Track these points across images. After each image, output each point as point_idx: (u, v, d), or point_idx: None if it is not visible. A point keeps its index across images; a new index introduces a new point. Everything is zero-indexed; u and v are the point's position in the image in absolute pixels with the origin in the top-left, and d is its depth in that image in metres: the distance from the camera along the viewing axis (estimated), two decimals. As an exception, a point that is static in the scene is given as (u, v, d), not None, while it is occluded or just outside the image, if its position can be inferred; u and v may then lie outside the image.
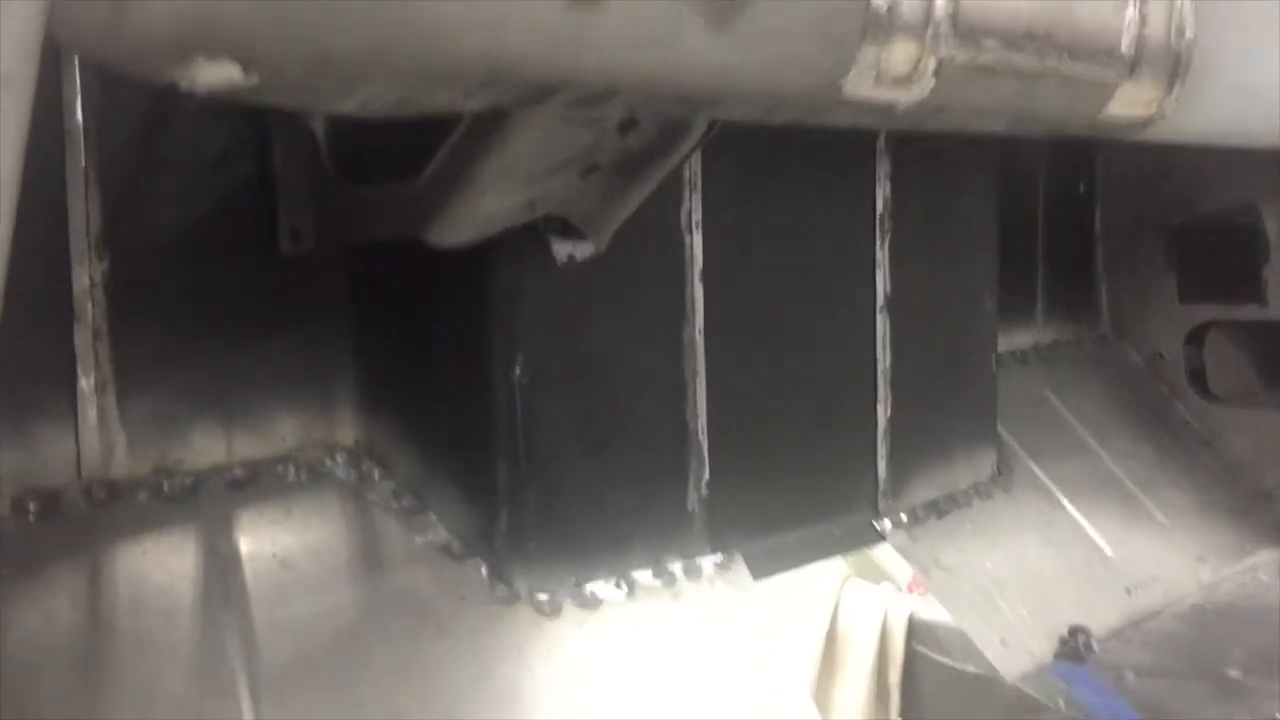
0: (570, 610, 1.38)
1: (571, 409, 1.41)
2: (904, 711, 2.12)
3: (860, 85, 0.87)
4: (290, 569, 1.26)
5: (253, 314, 1.33)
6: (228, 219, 1.31)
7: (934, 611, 2.14)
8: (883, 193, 1.73)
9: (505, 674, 1.30)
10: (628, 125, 1.09)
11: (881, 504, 1.74)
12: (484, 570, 1.36)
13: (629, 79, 0.77)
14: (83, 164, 1.20)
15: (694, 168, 1.48)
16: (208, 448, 1.29)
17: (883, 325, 1.73)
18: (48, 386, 1.19)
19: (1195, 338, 2.29)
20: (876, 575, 2.36)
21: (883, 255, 1.73)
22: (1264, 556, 2.10)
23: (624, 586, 1.44)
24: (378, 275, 1.43)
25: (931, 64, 0.89)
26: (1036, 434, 2.03)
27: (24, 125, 0.63)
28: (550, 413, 1.39)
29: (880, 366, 1.74)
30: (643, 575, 1.46)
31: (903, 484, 1.76)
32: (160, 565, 1.18)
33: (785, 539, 1.63)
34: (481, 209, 1.14)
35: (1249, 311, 2.21)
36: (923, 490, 1.80)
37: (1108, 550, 1.92)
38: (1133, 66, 1.04)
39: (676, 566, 1.49)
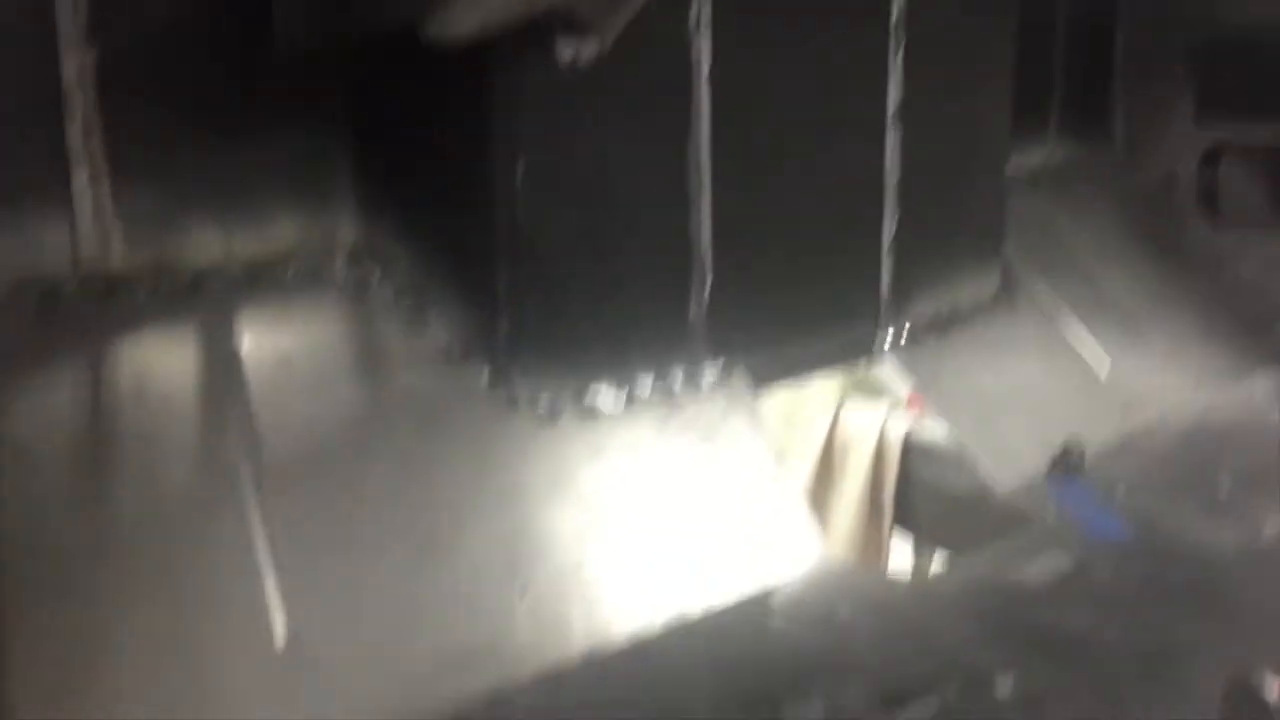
0: (569, 416, 1.39)
1: (573, 215, 1.39)
2: (897, 524, 2.17)
3: None
4: (291, 368, 1.26)
5: (248, 110, 1.29)
6: (221, 9, 1.26)
7: (930, 428, 2.17)
8: (898, 2, 1.66)
9: (504, 476, 1.32)
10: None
11: (884, 319, 1.73)
12: (485, 374, 1.37)
13: None
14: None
15: (703, -34, 1.42)
16: (206, 245, 1.27)
17: (893, 137, 1.69)
18: (42, 179, 1.16)
19: (1209, 160, 2.25)
20: (875, 392, 2.38)
21: (896, 66, 1.68)
22: (1263, 380, 2.11)
23: (623, 395, 1.44)
24: (378, 76, 1.38)
25: None
26: (1043, 253, 2.01)
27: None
28: (552, 218, 1.37)
29: (888, 180, 1.71)
30: (643, 383, 1.46)
31: (906, 299, 1.75)
32: (161, 361, 1.18)
33: (786, 351, 1.63)
34: (483, -3, 1.09)
35: (1265, 133, 2.16)
36: (926, 306, 1.79)
37: (1107, 370, 1.93)
38: None
39: (676, 376, 1.50)
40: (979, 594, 1.35)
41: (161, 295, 1.23)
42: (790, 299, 1.62)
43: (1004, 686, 1.13)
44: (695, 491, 1.43)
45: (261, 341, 1.26)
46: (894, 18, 1.66)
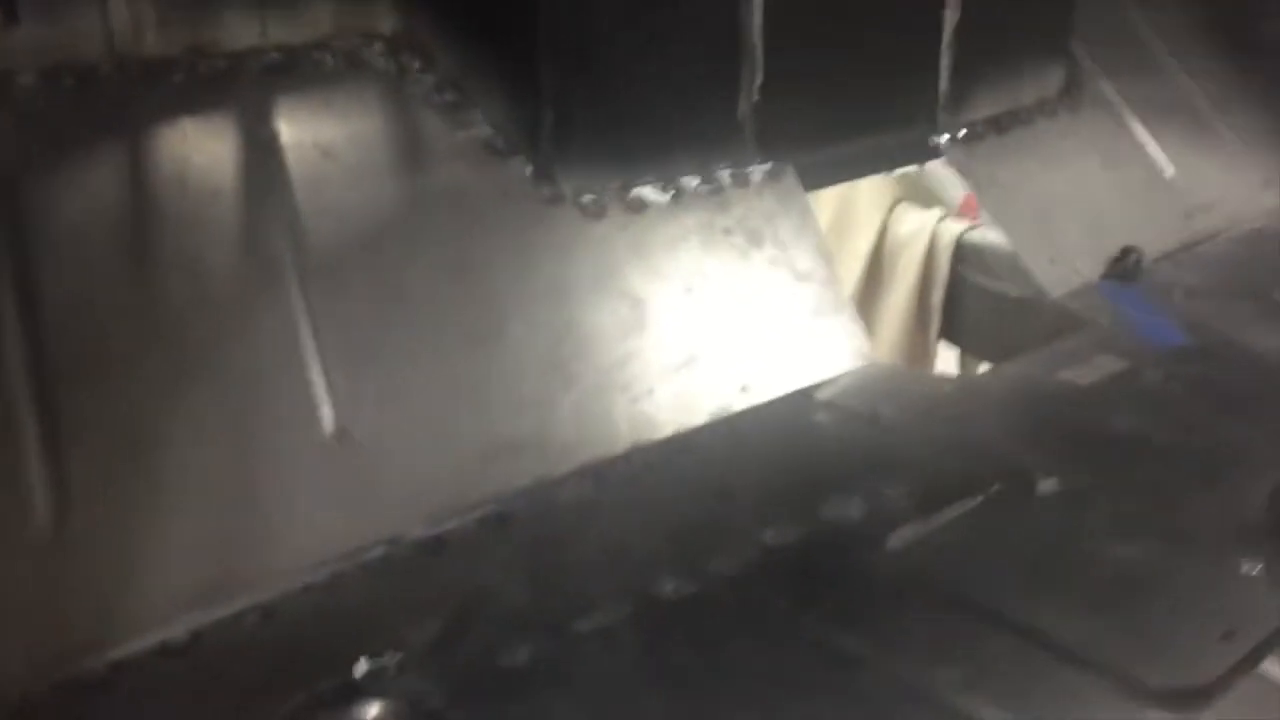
0: (615, 213, 1.37)
1: (618, 4, 1.33)
2: (944, 333, 2.14)
3: None
4: (331, 158, 1.24)
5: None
6: None
7: (981, 235, 2.12)
8: None
9: (549, 271, 1.30)
10: None
11: (941, 118, 1.67)
12: (528, 169, 1.34)
13: None
14: None
15: None
16: (241, 29, 1.23)
17: (956, -77, 1.59)
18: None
19: (1297, -51, 2.10)
20: (928, 200, 2.32)
21: None
22: (1336, 184, 2.03)
23: (670, 191, 1.41)
24: None
25: None
26: (1112, 49, 1.91)
27: None
28: (596, 7, 1.31)
29: (951, -32, 1.61)
30: (689, 181, 1.43)
31: (965, 98, 1.68)
32: (200, 148, 1.16)
33: (839, 151, 1.58)
34: None
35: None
36: (985, 105, 1.72)
37: (1171, 173, 1.86)
38: None
39: (724, 174, 1.46)
40: (1026, 395, 1.34)
41: (197, 78, 1.20)
42: (844, 96, 1.56)
43: (1047, 484, 1.12)
44: (741, 290, 1.41)
45: (300, 129, 1.24)
46: None
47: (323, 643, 0.96)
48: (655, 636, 0.95)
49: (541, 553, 1.08)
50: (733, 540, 1.07)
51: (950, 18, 1.63)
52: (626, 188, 1.38)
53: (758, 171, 1.49)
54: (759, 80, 1.46)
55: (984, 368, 2.13)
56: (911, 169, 1.94)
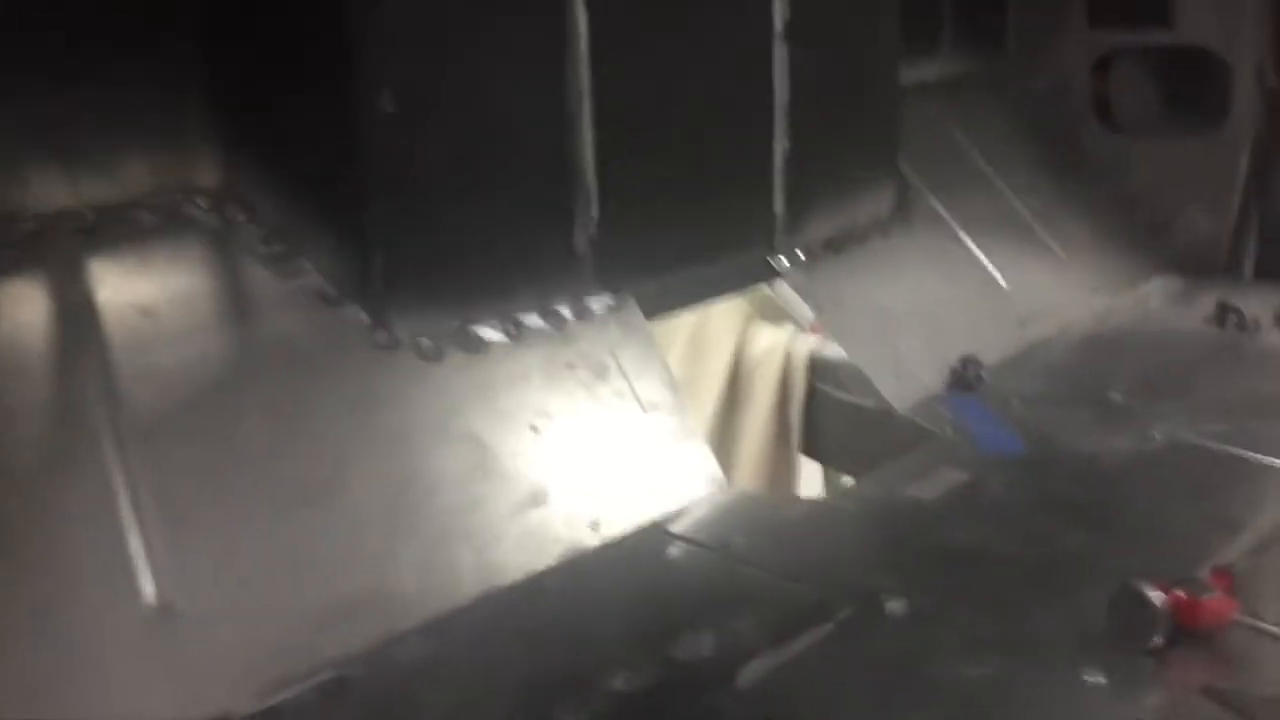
0: (454, 354, 1.35)
1: (445, 144, 1.33)
2: (804, 447, 2.16)
3: None
4: (152, 318, 1.20)
5: (88, 45, 1.21)
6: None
7: (834, 349, 2.15)
8: (783, -87, 1.61)
9: (387, 419, 1.27)
10: None
11: (779, 241, 1.71)
12: (362, 315, 1.32)
13: None
14: None
15: None
16: (51, 190, 1.20)
17: (780, 55, 1.65)
18: None
19: (1101, 66, 2.24)
20: (780, 317, 2.36)
21: (782, -20, 1.63)
22: (1158, 284, 2.13)
23: (510, 329, 1.40)
24: (229, 4, 1.31)
25: None
26: (938, 168, 1.99)
27: None
28: (422, 148, 1.31)
29: (778, 98, 1.67)
30: (530, 318, 1.42)
31: (801, 220, 1.73)
32: (7, 316, 1.11)
33: (679, 278, 1.60)
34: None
35: (1155, 35, 2.15)
36: (821, 227, 1.77)
37: (1003, 283, 1.93)
38: None
39: (565, 308, 1.46)
40: (874, 514, 1.35)
41: (5, 244, 1.15)
42: (681, 223, 1.58)
43: (895, 606, 1.12)
44: (588, 425, 1.40)
45: (118, 290, 1.20)
46: (779, -70, 1.61)
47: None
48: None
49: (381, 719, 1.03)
50: (583, 690, 1.04)
51: (780, 145, 1.68)
52: (465, 328, 1.37)
53: (599, 303, 1.49)
54: (595, 213, 1.48)
55: (847, 479, 2.15)
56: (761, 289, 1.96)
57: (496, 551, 1.25)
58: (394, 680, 1.08)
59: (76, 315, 1.16)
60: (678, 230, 1.58)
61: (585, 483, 1.34)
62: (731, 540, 1.27)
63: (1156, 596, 1.03)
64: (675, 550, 1.28)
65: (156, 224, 1.26)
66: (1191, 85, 2.18)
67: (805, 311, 2.33)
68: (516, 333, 1.41)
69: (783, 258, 1.71)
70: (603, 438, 1.40)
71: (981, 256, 1.95)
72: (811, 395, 2.17)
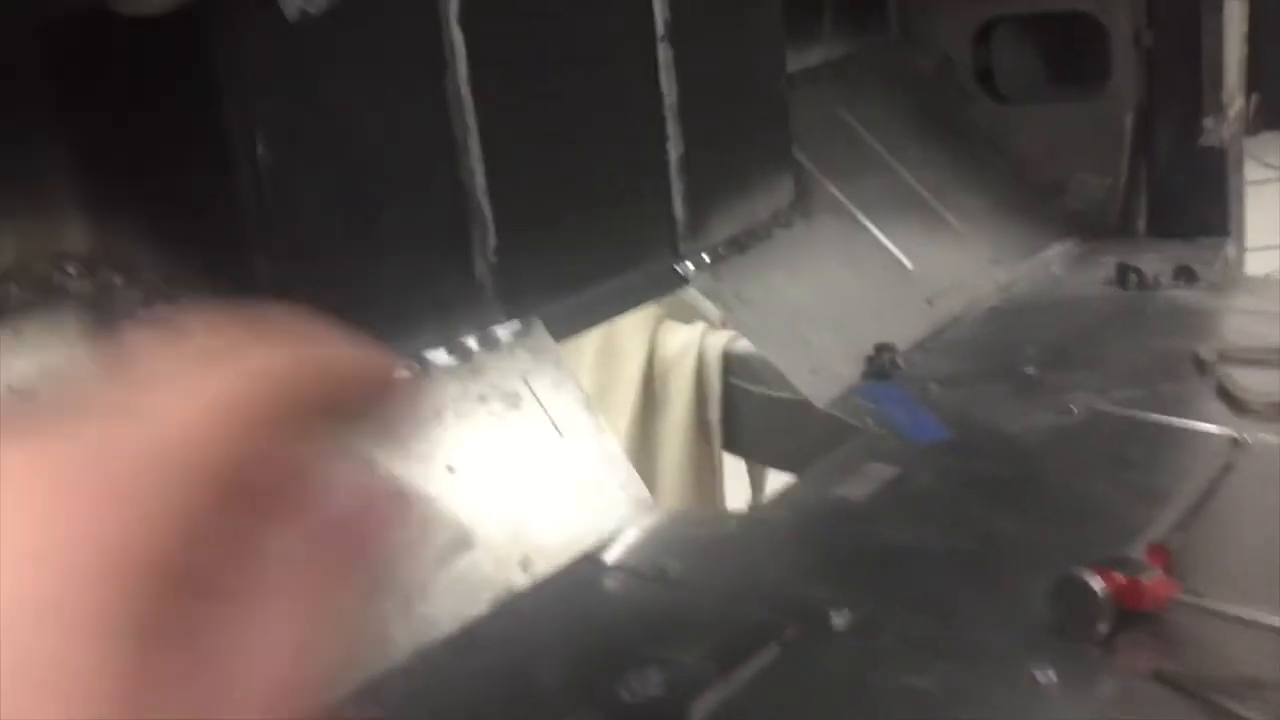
0: (360, 401, 1.29)
1: (330, 183, 1.27)
2: (727, 445, 2.15)
3: None
4: (30, 399, 1.12)
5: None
6: None
7: (748, 343, 2.14)
8: (656, -89, 1.58)
9: (297, 477, 1.21)
10: None
11: (682, 247, 1.68)
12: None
13: None
14: None
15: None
16: (-99, 276, 1.12)
17: (665, 55, 1.62)
18: None
19: (982, 37, 2.25)
20: (690, 315, 2.34)
21: (660, -20, 1.60)
22: (1055, 250, 2.16)
23: (416, 367, 1.35)
24: (84, 58, 1.23)
25: None
26: (832, 154, 1.98)
27: None
28: (305, 190, 1.25)
29: (667, 101, 1.64)
30: (436, 354, 1.37)
31: (702, 223, 1.70)
32: None
33: (585, 296, 1.56)
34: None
35: (1033, 3, 2.17)
36: (723, 227, 1.74)
37: (908, 263, 1.93)
38: None
39: (471, 340, 1.41)
40: (807, 521, 1.33)
41: None
42: (582, 239, 1.54)
43: (839, 619, 1.10)
44: (506, 459, 1.35)
45: (-12, 375, 1.12)
46: (653, -72, 1.58)
47: None
48: None
49: (321, 804, 0.97)
50: (529, 745, 1.00)
51: (674, 149, 1.65)
52: (368, 372, 1.31)
53: (505, 331, 1.44)
54: (493, 239, 1.43)
55: (772, 474, 2.14)
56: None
57: (425, 604, 1.20)
58: (330, 758, 1.02)
59: (-55, 406, 1.08)
60: (579, 247, 1.54)
61: (510, 520, 1.30)
62: (667, 565, 1.24)
63: (1098, 584, 1.03)
64: (611, 582, 1.25)
65: (26, 298, 1.18)
66: (1072, 51, 2.20)
67: (715, 309, 2.31)
68: (422, 371, 1.35)
69: (688, 262, 1.67)
70: (523, 471, 1.36)
71: (884, 239, 1.94)
72: (730, 392, 2.16)
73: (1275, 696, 0.92)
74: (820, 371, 1.66)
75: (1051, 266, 2.08)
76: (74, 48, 1.21)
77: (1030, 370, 1.61)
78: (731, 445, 2.17)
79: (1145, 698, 0.96)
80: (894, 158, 2.07)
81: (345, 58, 1.27)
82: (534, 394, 1.42)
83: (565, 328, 1.52)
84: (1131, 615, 1.03)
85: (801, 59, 2.06)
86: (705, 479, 2.19)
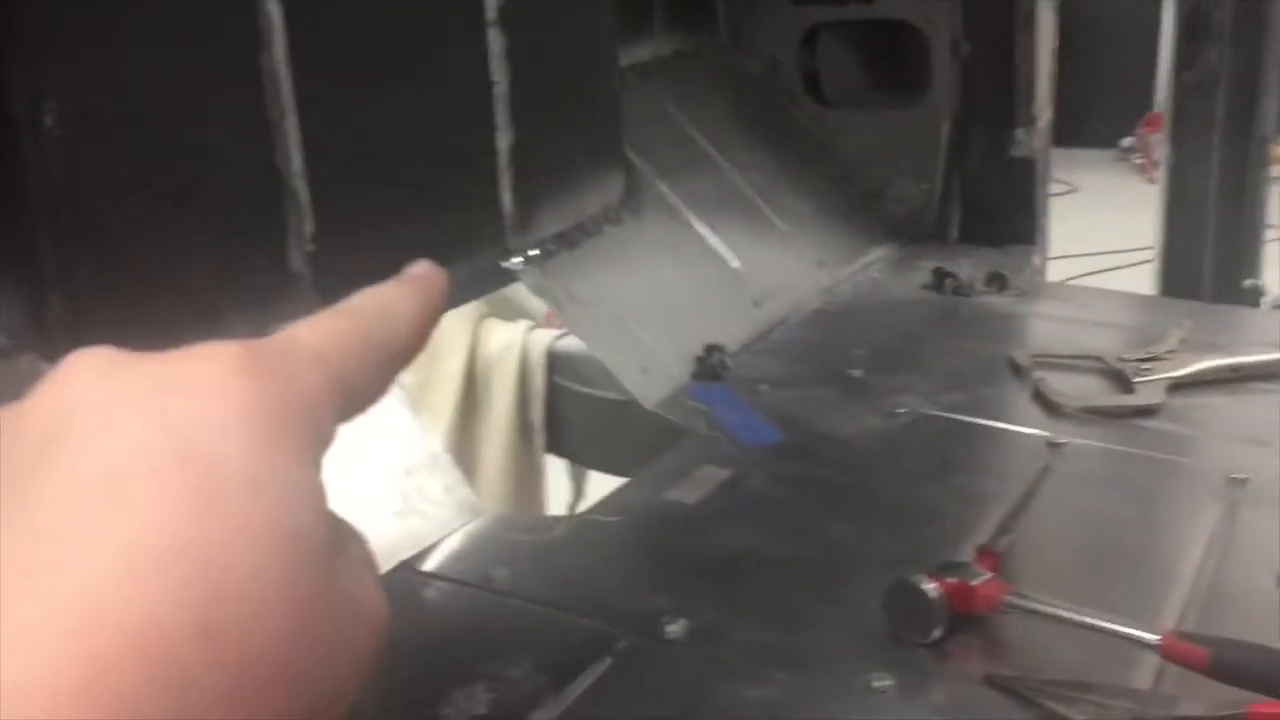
0: (159, 400, 1.18)
1: (128, 161, 1.16)
2: (550, 446, 2.10)
3: None
4: None
5: None
6: None
7: (572, 342, 2.10)
8: (487, -105, 1.51)
9: (86, 484, 1.10)
10: None
11: (510, 241, 1.62)
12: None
13: None
14: None
15: None
16: None
17: (496, 42, 1.56)
18: None
19: (808, 41, 2.28)
20: (514, 312, 2.29)
21: (490, -36, 1.54)
22: (877, 253, 2.19)
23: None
24: None
25: None
26: (662, 151, 1.96)
27: None
28: (100, 167, 1.14)
29: (497, 89, 1.57)
30: (245, 349, 1.27)
31: (531, 217, 1.65)
32: None
33: (407, 289, 1.48)
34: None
35: (857, 10, 2.20)
36: (552, 222, 1.69)
37: (736, 264, 1.92)
38: None
39: (285, 334, 1.31)
40: (639, 525, 1.29)
41: None
42: (405, 230, 1.47)
43: (674, 628, 1.07)
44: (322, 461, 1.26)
45: None
46: (483, -88, 1.51)
47: None
48: None
49: None
50: (347, 773, 0.93)
51: (504, 139, 1.59)
52: (169, 369, 1.21)
53: (322, 326, 1.35)
54: (309, 227, 1.34)
55: (595, 477, 2.10)
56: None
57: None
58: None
59: None
60: (402, 238, 1.46)
61: (326, 527, 1.21)
62: (493, 573, 1.18)
63: (930, 588, 1.03)
64: (432, 592, 1.18)
65: None
66: (894, 58, 2.25)
67: (539, 305, 2.26)
68: (231, 368, 1.25)
69: (515, 258, 1.62)
70: (338, 473, 1.27)
71: (713, 239, 1.93)
72: (553, 391, 2.11)
73: (1101, 699, 0.93)
74: (650, 371, 1.63)
75: (873, 270, 2.11)
76: None
77: (857, 373, 1.63)
78: (555, 447, 2.12)
79: (977, 702, 0.97)
80: (723, 157, 2.06)
81: (150, 26, 1.16)
82: (353, 393, 1.33)
83: (387, 323, 1.44)
84: (963, 618, 1.04)
85: (632, 54, 2.03)
86: (528, 482, 2.14)
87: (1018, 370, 1.63)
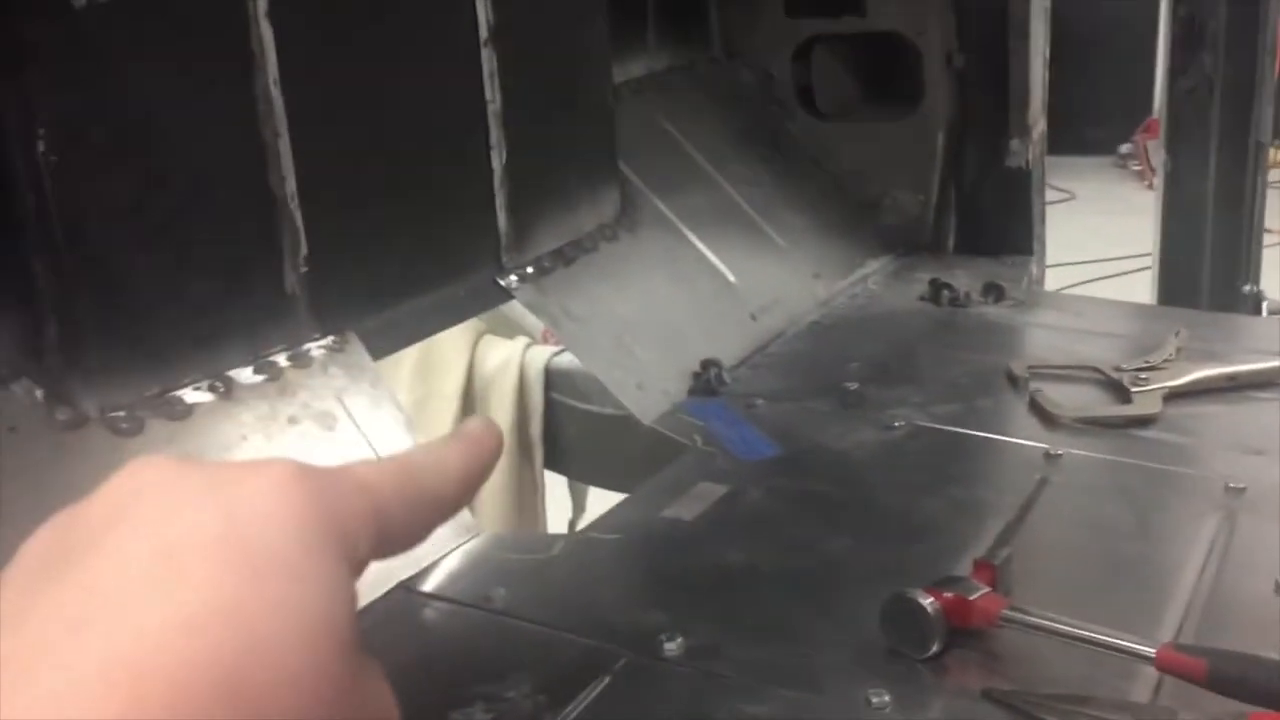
0: (155, 424, 1.19)
1: (123, 186, 1.16)
2: (548, 463, 2.10)
3: None
4: None
5: None
6: None
7: (569, 358, 2.10)
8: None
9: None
10: None
11: (506, 259, 1.62)
12: (38, 394, 1.13)
13: None
14: None
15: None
16: None
17: (489, 61, 1.56)
18: None
19: (801, 54, 2.28)
20: (511, 330, 2.29)
21: (483, -15, 1.54)
22: (873, 265, 2.20)
23: (219, 387, 1.25)
24: None
25: None
26: (657, 166, 1.96)
27: None
28: (95, 193, 1.14)
29: (491, 108, 1.58)
30: (241, 373, 1.28)
31: (526, 235, 1.65)
32: None
33: (403, 310, 1.48)
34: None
35: (850, 23, 2.21)
36: (547, 239, 1.69)
37: (732, 279, 1.93)
38: None
39: (280, 356, 1.32)
40: (637, 543, 1.29)
41: None
42: (400, 251, 1.47)
43: (672, 646, 1.07)
44: (320, 483, 1.27)
45: None
46: (477, -67, 1.52)
47: None
48: None
49: None
50: (345, 796, 0.92)
51: (498, 157, 1.60)
52: (165, 393, 1.21)
53: (317, 348, 1.36)
54: (304, 249, 1.35)
55: (597, 492, 2.10)
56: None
57: (229, 643, 1.10)
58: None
59: None
60: (397, 258, 1.47)
61: (323, 549, 1.21)
62: (491, 592, 1.18)
63: (928, 603, 1.03)
64: (431, 612, 1.18)
65: None
66: (888, 70, 2.25)
67: (536, 322, 2.27)
68: (226, 391, 1.26)
69: (511, 276, 1.62)
70: (338, 494, 1.27)
71: (709, 253, 1.93)
72: (551, 408, 2.11)
73: (1099, 712, 0.93)
74: (647, 387, 1.64)
75: (869, 282, 2.12)
76: None
77: (853, 385, 1.63)
78: (554, 463, 2.12)
79: (974, 716, 0.96)
80: (717, 172, 2.07)
81: (143, 51, 1.17)
82: (349, 414, 1.34)
83: (383, 344, 1.44)
84: (960, 632, 1.03)
85: (625, 70, 2.04)
86: (527, 499, 2.14)
87: (1014, 381, 1.63)
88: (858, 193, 2.27)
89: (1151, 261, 2.99)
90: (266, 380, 1.29)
